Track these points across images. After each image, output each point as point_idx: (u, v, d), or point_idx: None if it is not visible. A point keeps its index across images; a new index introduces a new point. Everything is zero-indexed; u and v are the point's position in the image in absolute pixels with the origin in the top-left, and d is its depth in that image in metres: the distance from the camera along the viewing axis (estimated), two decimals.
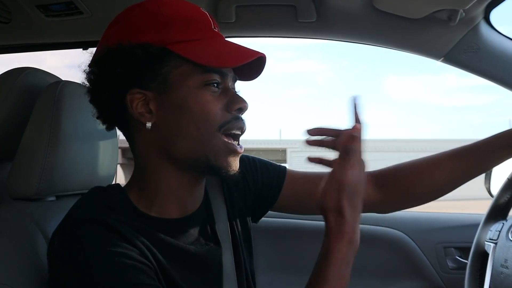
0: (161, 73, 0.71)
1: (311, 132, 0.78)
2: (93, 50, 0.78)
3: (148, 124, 0.71)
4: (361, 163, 0.70)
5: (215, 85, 0.72)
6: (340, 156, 0.70)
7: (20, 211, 0.83)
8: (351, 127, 0.70)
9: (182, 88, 0.71)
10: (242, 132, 0.75)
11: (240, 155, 0.74)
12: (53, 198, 0.92)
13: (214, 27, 0.75)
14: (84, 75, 0.75)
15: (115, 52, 0.70)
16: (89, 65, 0.76)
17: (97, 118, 0.77)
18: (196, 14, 0.74)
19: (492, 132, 0.90)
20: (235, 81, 0.77)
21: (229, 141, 0.72)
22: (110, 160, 1.03)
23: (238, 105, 0.73)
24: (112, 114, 0.75)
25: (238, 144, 0.74)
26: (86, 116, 0.94)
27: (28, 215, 0.82)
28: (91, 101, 0.76)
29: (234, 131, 0.73)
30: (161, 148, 0.73)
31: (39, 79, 0.99)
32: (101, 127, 0.97)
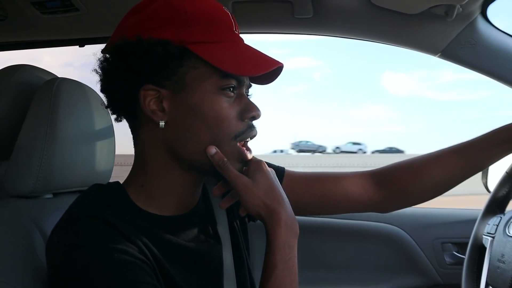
0: (178, 72, 0.70)
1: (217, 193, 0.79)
2: (90, 46, 0.78)
3: (162, 123, 0.71)
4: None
5: (231, 89, 0.72)
6: (221, 172, 0.72)
7: (17, 208, 0.83)
8: (208, 149, 0.72)
9: (198, 90, 0.70)
10: (252, 138, 0.75)
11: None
12: (50, 196, 0.91)
13: (235, 29, 0.75)
14: (97, 63, 0.74)
15: (133, 46, 0.69)
16: (103, 51, 0.75)
17: (107, 107, 0.76)
18: (219, 13, 0.73)
19: (488, 128, 0.90)
20: (250, 87, 0.77)
21: (243, 148, 0.73)
22: (107, 156, 1.03)
23: (252, 113, 0.73)
24: (123, 106, 0.74)
25: (248, 149, 0.75)
26: (83, 113, 0.94)
27: (25, 213, 0.82)
28: (102, 90, 0.75)
29: (247, 140, 0.74)
30: (169, 147, 0.72)
31: (36, 76, 0.99)
32: (98, 124, 0.98)
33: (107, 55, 0.74)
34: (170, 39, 0.68)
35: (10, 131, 0.93)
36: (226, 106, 0.71)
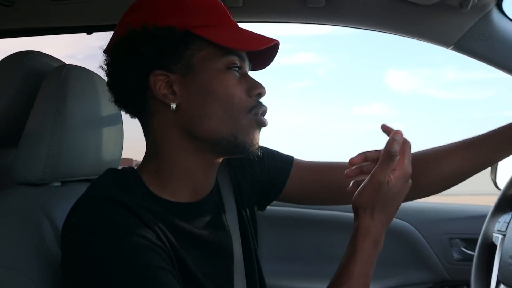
0: (185, 56, 0.72)
1: (355, 160, 0.76)
2: (98, 34, 0.77)
3: (173, 105, 0.72)
4: (405, 172, 0.69)
5: (236, 69, 0.74)
6: (382, 159, 0.68)
7: (26, 196, 0.83)
8: (393, 132, 0.70)
9: (206, 70, 0.72)
10: (264, 115, 0.76)
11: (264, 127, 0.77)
12: (58, 184, 0.91)
13: (230, 15, 0.78)
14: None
15: (140, 34, 0.71)
16: (106, 50, 0.77)
17: (114, 102, 0.78)
18: (214, 3, 0.77)
19: (492, 127, 0.89)
20: (249, 69, 0.79)
21: (260, 116, 0.75)
22: (115, 145, 1.02)
23: (258, 90, 0.75)
24: (132, 96, 0.75)
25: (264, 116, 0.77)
26: (91, 100, 0.93)
27: (34, 200, 0.81)
28: (109, 85, 0.77)
29: (261, 114, 0.76)
30: (184, 129, 0.73)
31: (44, 63, 0.98)
32: (106, 112, 0.97)
33: (113, 50, 0.75)
34: (174, 25, 0.72)
35: (18, 118, 0.92)
36: (234, 83, 0.73)
